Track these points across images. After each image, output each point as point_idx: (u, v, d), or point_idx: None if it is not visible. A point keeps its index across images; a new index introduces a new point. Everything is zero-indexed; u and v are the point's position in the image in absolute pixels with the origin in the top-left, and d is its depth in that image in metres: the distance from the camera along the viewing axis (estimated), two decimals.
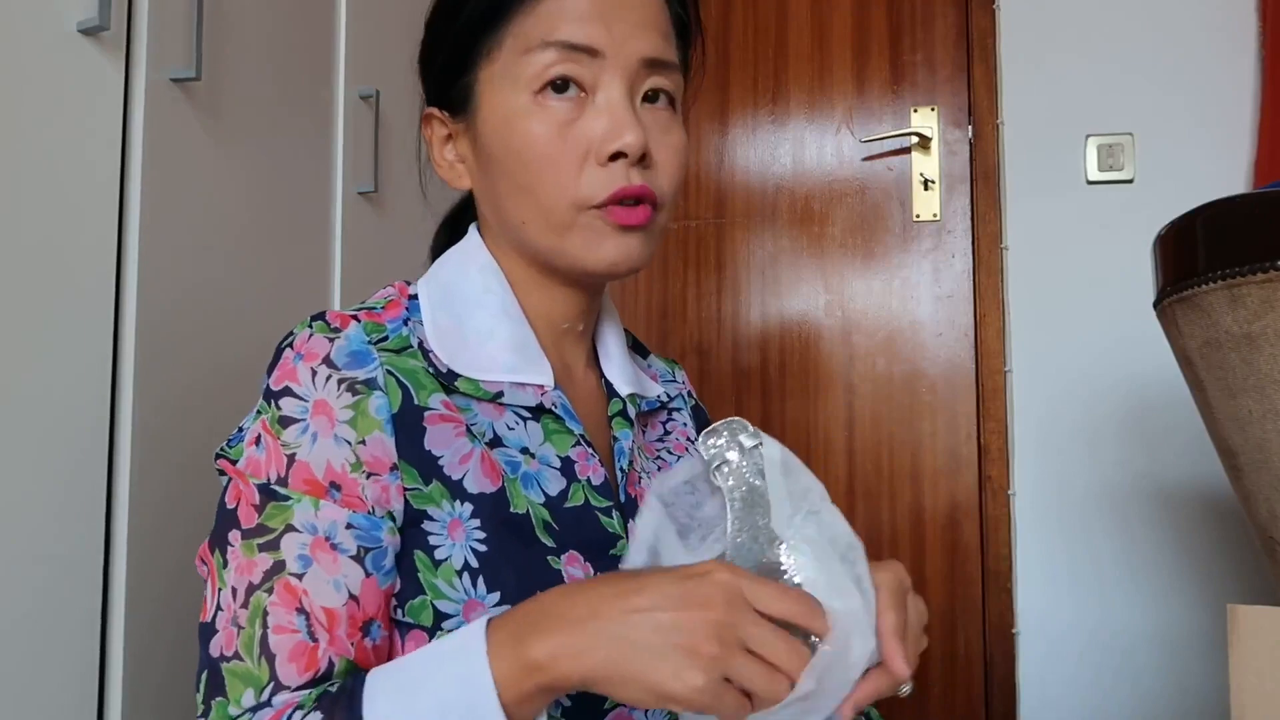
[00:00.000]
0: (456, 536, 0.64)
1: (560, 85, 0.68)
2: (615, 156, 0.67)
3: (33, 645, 0.85)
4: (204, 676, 0.60)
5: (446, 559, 0.63)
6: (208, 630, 0.61)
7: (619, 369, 0.79)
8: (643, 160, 0.68)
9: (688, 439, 0.86)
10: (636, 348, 0.89)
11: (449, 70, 0.73)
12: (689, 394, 0.91)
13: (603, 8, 0.68)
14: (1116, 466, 1.94)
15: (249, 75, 1.18)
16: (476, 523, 0.64)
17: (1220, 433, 1.08)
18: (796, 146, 2.16)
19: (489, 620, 0.56)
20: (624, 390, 0.78)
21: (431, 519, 0.64)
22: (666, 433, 0.84)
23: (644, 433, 0.82)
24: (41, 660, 0.86)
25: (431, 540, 0.64)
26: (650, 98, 0.70)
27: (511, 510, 0.66)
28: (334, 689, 0.58)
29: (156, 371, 0.99)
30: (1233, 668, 0.80)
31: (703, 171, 2.19)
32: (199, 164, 1.08)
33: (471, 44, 0.71)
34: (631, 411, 0.77)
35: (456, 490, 0.64)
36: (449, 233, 0.84)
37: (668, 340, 2.17)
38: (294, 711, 0.57)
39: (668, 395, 0.85)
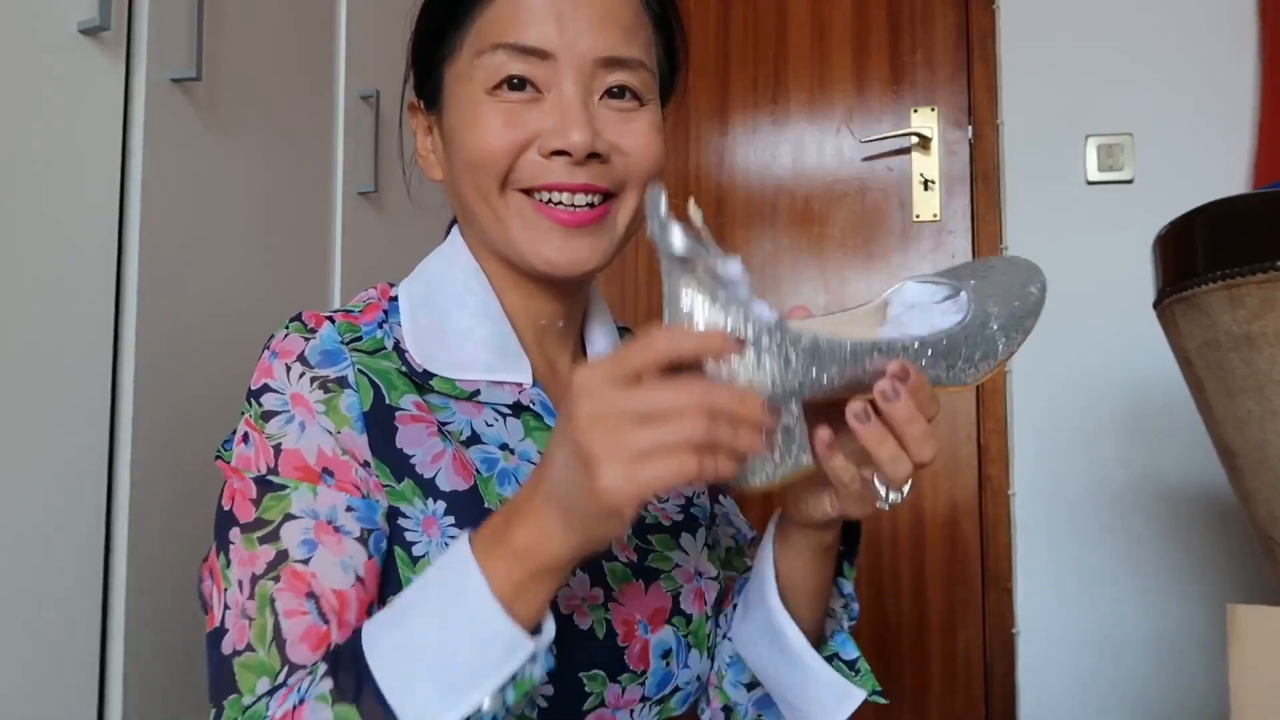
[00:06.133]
0: (432, 533, 0.64)
1: (516, 84, 0.68)
2: (558, 153, 0.67)
3: (33, 646, 0.86)
4: (213, 681, 0.60)
5: (424, 555, 0.64)
6: (217, 634, 0.61)
7: None
8: (600, 158, 0.68)
9: None
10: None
11: (423, 65, 0.75)
12: None
13: (557, 5, 0.67)
14: (1116, 467, 1.93)
15: (249, 75, 1.18)
16: (451, 520, 0.65)
17: (1220, 433, 1.08)
18: (796, 147, 2.16)
19: (469, 534, 0.56)
20: None
21: (405, 516, 0.64)
22: None
23: None
24: (41, 660, 0.86)
25: (408, 536, 0.64)
26: (614, 93, 0.70)
27: (486, 506, 0.66)
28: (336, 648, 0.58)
29: (157, 371, 0.99)
30: (1232, 668, 0.80)
31: (703, 171, 2.19)
32: (199, 164, 1.08)
33: (437, 41, 0.72)
34: None
35: (429, 488, 0.65)
36: None
37: None
38: (305, 679, 0.57)
39: None
